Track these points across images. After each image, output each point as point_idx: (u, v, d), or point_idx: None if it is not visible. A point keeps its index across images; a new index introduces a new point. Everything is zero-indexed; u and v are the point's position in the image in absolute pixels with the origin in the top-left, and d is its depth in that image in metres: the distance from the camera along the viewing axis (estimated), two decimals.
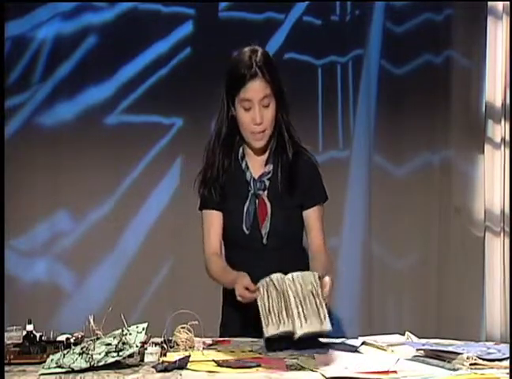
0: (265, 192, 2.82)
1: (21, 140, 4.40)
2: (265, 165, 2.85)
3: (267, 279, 2.51)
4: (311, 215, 2.86)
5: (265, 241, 2.81)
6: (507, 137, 4.20)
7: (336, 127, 4.50)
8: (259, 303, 2.49)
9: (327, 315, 2.45)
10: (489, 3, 4.26)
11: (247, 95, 2.75)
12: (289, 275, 2.50)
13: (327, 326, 2.43)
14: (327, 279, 2.52)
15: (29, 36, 4.44)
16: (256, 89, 2.75)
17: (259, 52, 2.81)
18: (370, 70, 4.49)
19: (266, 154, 2.86)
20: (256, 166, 2.87)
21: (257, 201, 2.82)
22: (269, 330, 2.45)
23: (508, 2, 4.17)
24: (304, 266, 2.71)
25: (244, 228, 2.82)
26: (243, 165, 2.86)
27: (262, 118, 2.77)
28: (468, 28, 4.39)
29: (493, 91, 4.25)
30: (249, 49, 2.82)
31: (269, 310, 2.47)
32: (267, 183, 2.83)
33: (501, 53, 4.20)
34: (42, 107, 4.44)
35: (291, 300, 2.47)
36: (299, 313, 2.45)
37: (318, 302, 2.46)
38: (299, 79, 4.43)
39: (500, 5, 4.23)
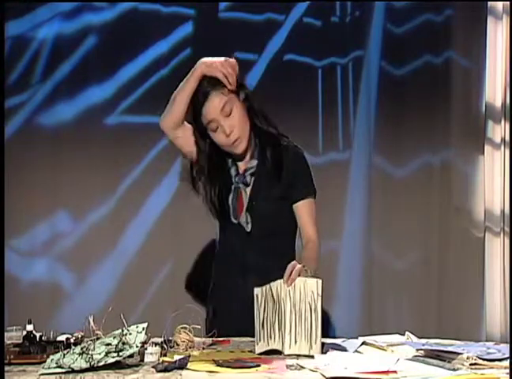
0: (247, 186, 2.89)
1: (21, 140, 4.40)
2: (250, 160, 2.92)
3: (267, 286, 2.50)
4: (300, 209, 2.92)
5: (248, 228, 2.88)
6: (507, 137, 4.20)
7: (337, 128, 4.50)
8: (255, 314, 2.49)
9: (319, 337, 2.43)
10: (489, 3, 4.27)
11: (209, 117, 2.83)
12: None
13: (316, 351, 2.41)
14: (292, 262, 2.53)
15: (29, 36, 4.44)
16: (214, 106, 2.82)
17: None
18: (370, 71, 4.49)
19: (251, 149, 2.92)
20: (244, 160, 2.94)
21: (238, 194, 2.90)
22: (259, 348, 2.45)
23: (508, 2, 4.18)
24: (290, 257, 2.74)
25: (232, 218, 2.90)
26: (230, 161, 2.94)
27: (231, 127, 2.82)
28: (468, 28, 4.39)
29: (493, 92, 4.25)
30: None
31: (262, 325, 2.47)
32: (248, 178, 2.90)
33: (501, 53, 4.21)
34: (42, 107, 4.44)
35: (286, 313, 2.44)
36: (291, 330, 2.43)
37: (313, 318, 2.44)
38: (299, 80, 4.44)
39: (500, 5, 4.23)
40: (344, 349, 2.49)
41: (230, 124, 2.81)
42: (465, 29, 4.40)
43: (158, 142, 4.44)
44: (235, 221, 2.90)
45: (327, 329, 4.00)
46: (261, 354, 2.44)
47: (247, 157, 2.93)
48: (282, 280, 2.48)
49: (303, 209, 2.91)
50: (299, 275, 2.48)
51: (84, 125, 4.43)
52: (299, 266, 2.50)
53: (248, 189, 2.90)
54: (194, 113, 2.86)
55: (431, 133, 4.46)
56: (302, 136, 4.36)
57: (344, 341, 2.61)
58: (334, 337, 2.67)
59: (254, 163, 2.91)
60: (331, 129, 4.49)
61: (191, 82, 2.84)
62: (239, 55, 4.41)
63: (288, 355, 2.41)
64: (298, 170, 2.93)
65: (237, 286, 2.87)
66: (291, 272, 2.48)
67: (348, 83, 4.51)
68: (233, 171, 2.92)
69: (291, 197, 2.92)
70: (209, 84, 2.81)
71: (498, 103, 4.26)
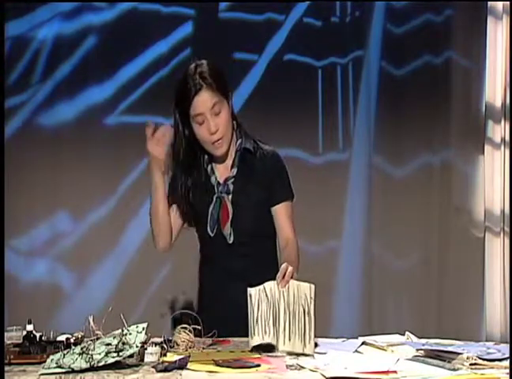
0: (230, 195, 2.88)
1: (21, 140, 4.40)
2: (231, 169, 2.90)
3: (261, 287, 2.50)
4: (278, 213, 2.91)
5: (230, 240, 2.87)
6: (507, 137, 4.20)
7: (337, 128, 4.50)
8: (249, 311, 2.49)
9: (313, 338, 2.44)
10: (489, 3, 4.27)
11: (197, 111, 2.81)
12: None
13: (310, 351, 2.42)
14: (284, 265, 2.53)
15: (29, 36, 4.44)
16: (204, 101, 2.79)
17: (203, 64, 2.84)
18: (370, 71, 4.49)
19: (231, 158, 2.91)
20: (222, 170, 2.92)
21: (221, 204, 2.87)
22: (254, 341, 2.45)
23: (508, 2, 4.18)
24: (272, 260, 2.77)
25: (208, 230, 2.88)
26: (209, 169, 2.92)
27: (217, 126, 2.81)
28: (468, 28, 4.40)
29: (493, 92, 4.26)
30: (192, 65, 2.84)
31: (256, 320, 2.48)
32: (231, 187, 2.88)
33: (501, 53, 4.21)
34: (42, 107, 4.45)
35: (280, 312, 2.46)
36: (285, 328, 2.44)
37: (307, 321, 2.45)
38: (299, 80, 4.44)
39: (500, 5, 4.24)
40: (344, 349, 2.49)
41: (216, 122, 2.81)
42: (465, 29, 4.40)
43: None
44: (211, 234, 2.88)
45: (327, 329, 4.00)
46: (256, 349, 2.44)
47: (228, 163, 2.91)
48: (275, 282, 2.49)
49: (282, 212, 2.91)
50: (291, 277, 2.49)
51: (84, 125, 4.43)
52: (291, 268, 2.50)
53: (231, 198, 2.89)
54: (183, 100, 2.83)
55: (431, 133, 4.47)
56: (302, 136, 4.38)
57: (344, 341, 2.62)
58: (335, 337, 2.67)
59: (235, 171, 2.90)
60: (331, 129, 4.50)
61: (154, 176, 2.88)
62: (239, 55, 4.43)
63: (282, 351, 2.41)
64: (275, 173, 2.92)
65: (222, 291, 2.88)
66: (285, 274, 2.49)
67: (348, 83, 4.51)
68: (213, 180, 2.90)
69: (270, 200, 2.91)
70: (202, 79, 2.79)
71: (498, 103, 4.26)
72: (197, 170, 2.91)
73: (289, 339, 2.44)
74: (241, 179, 2.89)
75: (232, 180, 2.89)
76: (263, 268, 2.59)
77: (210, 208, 2.87)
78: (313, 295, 2.47)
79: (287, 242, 2.89)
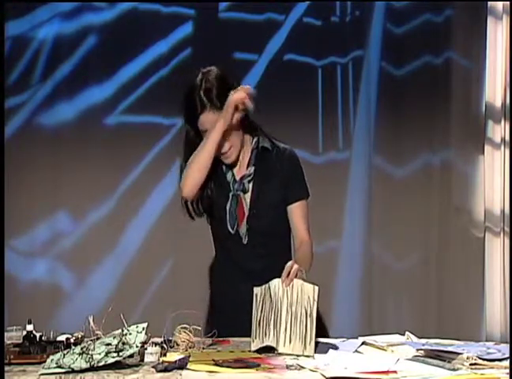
0: (248, 194, 2.87)
1: (21, 140, 4.40)
2: (247, 167, 2.89)
3: (266, 286, 2.51)
4: (294, 211, 2.91)
5: (244, 240, 2.86)
6: (507, 137, 4.20)
7: (337, 128, 4.50)
8: (253, 313, 2.50)
9: (313, 339, 2.44)
10: (489, 3, 4.27)
11: (203, 127, 2.80)
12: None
13: (310, 352, 2.42)
14: (289, 262, 2.53)
15: (29, 36, 4.44)
16: (208, 121, 2.78)
17: (209, 76, 2.81)
18: (370, 71, 4.49)
19: (248, 156, 2.90)
20: (239, 167, 2.91)
21: (238, 202, 2.87)
22: (254, 346, 2.46)
23: (508, 2, 4.17)
24: (286, 259, 2.72)
25: (229, 227, 2.87)
26: (225, 166, 2.90)
27: (223, 142, 2.80)
28: (468, 28, 4.39)
29: (493, 92, 4.26)
30: (199, 76, 2.82)
31: (258, 323, 2.48)
32: (247, 185, 2.87)
33: (501, 53, 4.21)
34: (42, 107, 4.44)
35: (282, 312, 2.46)
36: (286, 329, 2.44)
37: (308, 323, 2.45)
38: (299, 80, 4.43)
39: (500, 5, 4.24)
40: (344, 349, 2.49)
41: (224, 137, 2.79)
42: (465, 29, 4.40)
43: (158, 142, 4.45)
44: (231, 231, 2.87)
45: (327, 329, 4.00)
46: (256, 351, 2.44)
47: (243, 164, 2.89)
48: (280, 280, 2.49)
49: (297, 211, 2.91)
50: (296, 276, 2.49)
51: (84, 125, 4.43)
52: (296, 266, 2.51)
53: (247, 197, 2.88)
54: (190, 115, 2.82)
55: (431, 133, 4.47)
56: (302, 135, 4.38)
57: (344, 341, 2.62)
58: (335, 337, 2.67)
59: (252, 169, 2.88)
60: (331, 129, 4.50)
61: (215, 131, 2.77)
62: (239, 55, 4.43)
63: (281, 354, 2.41)
64: (292, 172, 2.92)
65: (237, 293, 2.85)
66: (289, 272, 2.48)
67: (348, 83, 4.51)
68: (229, 177, 2.89)
69: (286, 199, 2.90)
70: (207, 98, 2.77)
71: (498, 103, 4.26)
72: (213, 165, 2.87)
73: (289, 342, 2.44)
74: (258, 178, 2.88)
75: (249, 178, 2.88)
76: (279, 268, 2.57)
77: (228, 205, 2.86)
78: (316, 297, 2.47)
79: (301, 242, 2.89)
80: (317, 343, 2.47)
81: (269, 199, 2.88)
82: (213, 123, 2.76)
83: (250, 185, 2.88)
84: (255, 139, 2.90)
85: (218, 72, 2.83)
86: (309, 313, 2.46)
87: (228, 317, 2.85)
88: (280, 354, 2.42)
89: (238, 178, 2.89)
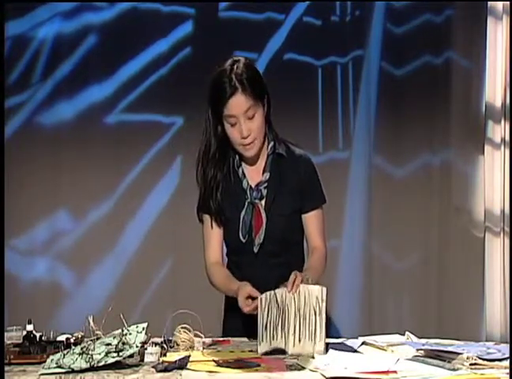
0: (263, 201, 2.81)
1: (21, 139, 4.40)
2: (263, 173, 2.84)
3: (272, 292, 2.49)
4: (310, 219, 2.87)
5: (256, 249, 2.81)
6: (507, 137, 4.20)
7: (337, 128, 4.50)
8: (259, 317, 2.48)
9: (324, 337, 2.44)
10: (489, 3, 4.27)
11: (231, 112, 2.73)
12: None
13: (321, 347, 2.42)
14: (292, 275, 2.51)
15: (29, 36, 4.44)
16: (238, 104, 2.72)
17: (239, 63, 2.77)
18: (370, 71, 4.49)
19: (263, 162, 2.85)
20: (253, 174, 2.86)
21: (253, 210, 2.81)
22: (262, 348, 2.45)
23: (508, 2, 4.17)
24: (299, 268, 2.70)
25: (240, 236, 2.81)
26: (240, 173, 2.85)
27: (250, 131, 2.75)
28: (468, 28, 4.39)
29: (493, 92, 4.25)
30: (229, 62, 2.78)
31: (265, 327, 2.47)
32: (264, 192, 2.82)
33: (501, 53, 4.21)
34: (42, 107, 4.44)
35: (290, 316, 2.46)
36: (295, 330, 2.45)
37: (318, 320, 2.45)
38: (299, 79, 4.43)
39: (500, 5, 4.23)
40: (349, 349, 2.49)
41: (249, 127, 2.74)
42: (465, 29, 4.40)
43: (158, 141, 4.45)
44: (243, 240, 2.81)
45: (328, 329, 3.99)
46: (264, 354, 2.43)
47: (259, 167, 2.85)
48: (285, 289, 2.48)
49: (313, 219, 2.86)
50: (301, 282, 2.48)
51: (84, 124, 4.43)
52: (300, 277, 2.50)
53: (263, 205, 2.81)
54: (218, 99, 2.74)
55: (431, 133, 4.46)
56: (302, 135, 4.37)
57: (344, 341, 2.62)
58: (335, 337, 2.67)
59: (267, 176, 2.83)
60: (331, 129, 4.49)
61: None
62: (239, 54, 4.42)
63: (291, 355, 2.41)
64: (308, 180, 2.86)
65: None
66: (295, 280, 2.48)
67: (348, 82, 4.51)
68: (245, 184, 2.83)
69: (301, 207, 2.86)
70: (238, 81, 2.71)
71: (498, 103, 4.25)
72: (227, 173, 2.84)
73: (299, 341, 2.44)
74: (274, 185, 2.82)
75: (265, 185, 2.82)
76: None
77: (242, 214, 2.81)
78: (324, 297, 2.47)
79: (313, 250, 2.85)
80: (327, 344, 2.47)
81: (285, 207, 2.82)
82: (242, 107, 2.72)
83: (265, 192, 2.82)
84: (271, 144, 2.85)
85: (247, 60, 2.80)
86: (318, 312, 2.46)
87: (242, 321, 2.80)
88: (291, 355, 2.42)
89: (253, 185, 2.83)
